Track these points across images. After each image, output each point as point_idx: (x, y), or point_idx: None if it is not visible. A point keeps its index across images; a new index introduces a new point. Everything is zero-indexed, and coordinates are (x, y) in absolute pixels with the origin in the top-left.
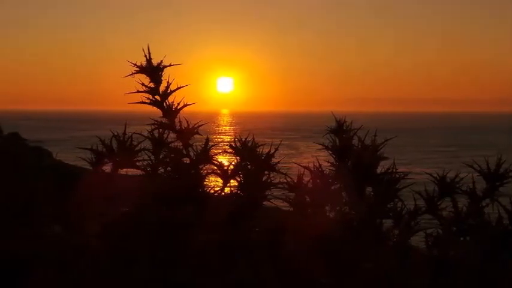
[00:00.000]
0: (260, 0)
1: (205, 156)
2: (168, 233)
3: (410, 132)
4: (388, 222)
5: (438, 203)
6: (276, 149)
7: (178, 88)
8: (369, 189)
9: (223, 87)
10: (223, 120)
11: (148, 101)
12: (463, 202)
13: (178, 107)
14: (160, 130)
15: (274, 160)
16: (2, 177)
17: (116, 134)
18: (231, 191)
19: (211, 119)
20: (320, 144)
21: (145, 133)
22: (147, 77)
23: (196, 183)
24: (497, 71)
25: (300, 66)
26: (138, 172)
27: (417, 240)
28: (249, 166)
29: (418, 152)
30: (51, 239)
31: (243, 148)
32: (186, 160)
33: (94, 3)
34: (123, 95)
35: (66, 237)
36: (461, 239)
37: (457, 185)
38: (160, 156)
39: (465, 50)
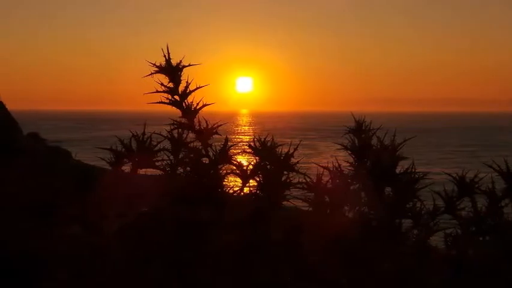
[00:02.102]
0: (280, 0)
1: (225, 156)
2: (187, 233)
3: (429, 132)
4: (407, 222)
5: (457, 203)
6: (295, 149)
7: (197, 88)
8: (388, 189)
9: (242, 87)
10: (243, 120)
11: (167, 101)
12: (482, 202)
13: (198, 107)
14: (180, 130)
15: (293, 160)
16: (24, 178)
17: (135, 134)
18: (250, 191)
19: (231, 119)
20: (339, 144)
21: (165, 133)
22: (166, 77)
23: (216, 183)
24: None
25: (320, 66)
26: (158, 172)
27: (436, 240)
28: (268, 166)
29: (437, 152)
30: (70, 239)
31: (262, 148)
32: (205, 160)
33: (114, 2)
34: (142, 95)
35: (85, 237)
36: (480, 239)
37: (476, 185)
38: (180, 156)
39: (485, 50)
